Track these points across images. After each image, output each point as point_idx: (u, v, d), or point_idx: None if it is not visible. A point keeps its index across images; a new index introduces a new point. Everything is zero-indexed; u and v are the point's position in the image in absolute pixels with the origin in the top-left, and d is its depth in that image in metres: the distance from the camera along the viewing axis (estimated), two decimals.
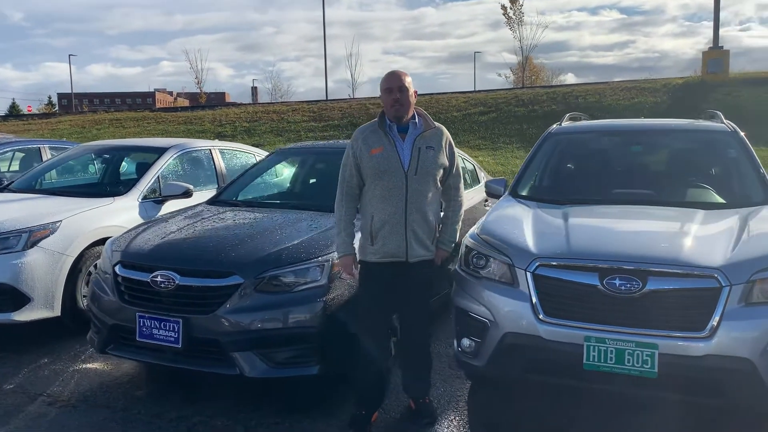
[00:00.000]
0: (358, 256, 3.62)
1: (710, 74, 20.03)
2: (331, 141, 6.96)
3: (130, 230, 4.49)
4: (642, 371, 3.01)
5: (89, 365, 4.53)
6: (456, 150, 3.71)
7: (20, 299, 4.79)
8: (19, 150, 8.87)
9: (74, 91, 69.40)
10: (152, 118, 27.34)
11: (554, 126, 5.23)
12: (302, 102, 27.72)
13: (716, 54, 20.21)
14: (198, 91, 55.49)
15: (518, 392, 3.79)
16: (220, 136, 21.41)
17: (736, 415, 3.19)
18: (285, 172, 6.16)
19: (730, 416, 3.30)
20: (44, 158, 8.27)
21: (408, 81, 3.52)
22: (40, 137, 19.16)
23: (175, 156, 6.43)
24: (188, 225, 4.37)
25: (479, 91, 23.30)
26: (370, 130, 3.57)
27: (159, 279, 3.74)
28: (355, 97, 34.83)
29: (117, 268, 3.97)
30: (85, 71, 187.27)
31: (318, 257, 3.79)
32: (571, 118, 5.50)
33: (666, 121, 5.32)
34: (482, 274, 3.54)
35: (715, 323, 2.94)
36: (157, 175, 6.11)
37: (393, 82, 3.48)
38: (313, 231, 4.14)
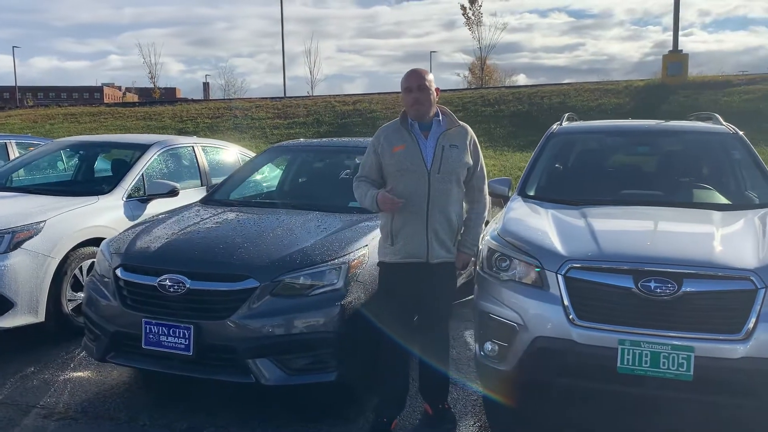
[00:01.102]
0: (378, 257, 3.51)
1: (670, 77, 20.52)
2: (325, 139, 6.80)
3: (127, 231, 4.26)
4: (677, 374, 2.99)
5: (80, 374, 4.29)
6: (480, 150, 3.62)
7: (3, 304, 4.51)
8: None
9: (17, 85, 66.80)
10: (108, 113, 26.49)
11: (555, 126, 5.20)
12: (266, 99, 27.29)
13: (676, 57, 20.72)
14: (152, 86, 54.30)
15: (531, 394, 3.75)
16: (182, 133, 20.89)
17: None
18: (279, 170, 5.97)
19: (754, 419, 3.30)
20: (11, 154, 7.87)
21: (429, 79, 3.43)
22: None
23: (158, 153, 6.18)
24: (191, 226, 4.17)
25: (445, 90, 23.33)
26: (393, 128, 3.47)
27: (168, 283, 3.55)
28: (314, 95, 34.51)
29: (119, 272, 3.76)
30: (29, 64, 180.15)
31: (334, 260, 3.66)
32: (568, 119, 5.49)
33: (668, 122, 5.37)
34: (506, 277, 3.46)
35: (751, 325, 2.93)
36: (141, 173, 5.87)
37: (412, 81, 3.38)
38: (323, 232, 4.00)
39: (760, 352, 2.91)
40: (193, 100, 33.23)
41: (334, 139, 6.58)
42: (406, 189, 3.34)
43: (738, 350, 2.93)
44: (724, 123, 4.93)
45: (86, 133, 20.79)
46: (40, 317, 4.71)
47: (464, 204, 3.56)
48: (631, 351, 3.04)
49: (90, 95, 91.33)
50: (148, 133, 21.76)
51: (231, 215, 4.46)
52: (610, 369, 3.07)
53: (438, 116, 3.45)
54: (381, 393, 3.55)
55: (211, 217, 4.40)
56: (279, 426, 3.54)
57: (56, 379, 4.21)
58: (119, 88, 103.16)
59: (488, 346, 3.49)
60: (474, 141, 3.54)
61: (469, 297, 5.20)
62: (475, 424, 3.63)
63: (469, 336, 4.96)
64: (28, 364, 4.45)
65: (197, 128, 22.28)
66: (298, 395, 3.79)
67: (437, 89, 3.44)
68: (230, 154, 7.37)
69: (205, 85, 76.22)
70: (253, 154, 7.77)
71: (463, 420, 3.66)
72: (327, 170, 5.56)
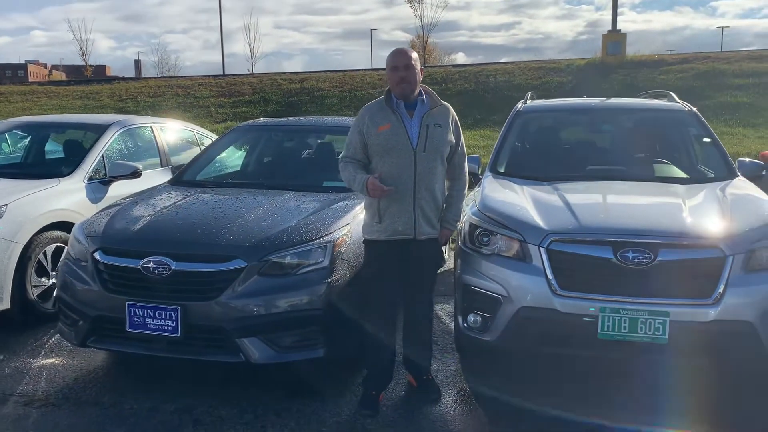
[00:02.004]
0: (363, 234, 3.57)
1: (610, 56, 21.17)
2: (292, 118, 6.76)
3: (100, 214, 4.17)
4: (654, 338, 3.19)
5: (53, 360, 4.20)
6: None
7: None
8: None
9: None
10: (42, 92, 25.35)
11: (520, 104, 5.35)
12: (209, 77, 26.65)
13: (615, 37, 21.37)
14: (81, 63, 52.02)
15: (511, 362, 3.91)
16: (122, 112, 20.23)
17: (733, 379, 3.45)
18: (244, 150, 5.91)
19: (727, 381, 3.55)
20: None
21: (415, 58, 3.47)
22: None
23: (117, 133, 6.01)
24: (167, 208, 4.11)
25: None
26: (377, 108, 3.50)
27: (152, 265, 3.51)
28: (256, 72, 33.89)
29: (97, 255, 3.68)
30: None
31: (319, 238, 3.70)
32: (531, 97, 5.64)
33: (627, 100, 5.60)
34: (488, 251, 3.59)
35: (721, 290, 3.16)
36: (101, 154, 5.70)
37: (399, 60, 3.42)
38: (304, 212, 4.02)
39: (729, 314, 3.14)
40: (130, 79, 32.10)
41: (301, 118, 6.55)
42: (393, 168, 3.39)
43: (709, 314, 3.15)
44: (679, 101, 5.18)
45: (19, 113, 19.86)
46: (5, 304, 4.57)
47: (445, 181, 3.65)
48: (610, 318, 3.22)
49: (13, 73, 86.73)
50: (87, 112, 20.96)
51: (206, 196, 4.42)
52: (591, 336, 3.24)
53: (422, 95, 3.50)
54: (368, 367, 3.63)
55: (185, 198, 4.35)
56: (268, 403, 3.58)
57: (29, 366, 4.11)
58: (45, 65, 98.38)
59: (471, 317, 3.61)
60: (455, 120, 3.62)
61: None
62: (458, 393, 3.76)
63: (440, 310, 5.09)
64: None
65: (138, 107, 21.61)
66: (287, 373, 3.83)
67: (422, 68, 3.49)
68: (187, 133, 7.23)
69: (137, 62, 73.54)
70: (211, 134, 7.67)
71: (445, 389, 3.78)
72: (296, 150, 5.55)
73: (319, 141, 5.54)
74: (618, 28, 21.75)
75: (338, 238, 3.75)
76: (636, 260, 3.20)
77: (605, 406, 3.51)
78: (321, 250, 3.67)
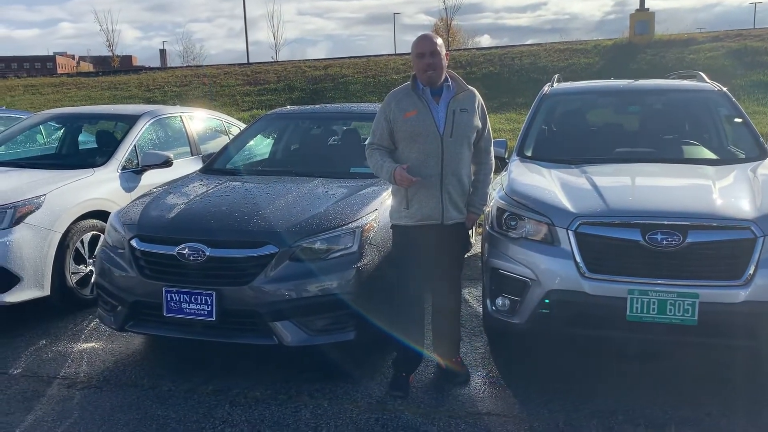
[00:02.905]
0: (391, 220, 3.62)
1: (637, 36, 20.78)
2: (318, 105, 6.81)
3: (136, 202, 4.28)
4: (683, 319, 3.19)
5: (94, 344, 4.34)
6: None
7: (10, 279, 4.51)
8: None
9: None
10: (71, 83, 25.76)
11: (546, 87, 5.33)
12: (234, 65, 26.81)
13: (643, 16, 20.96)
14: (108, 54, 52.62)
15: (539, 344, 3.95)
16: (150, 102, 20.51)
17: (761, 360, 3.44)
18: (272, 138, 5.99)
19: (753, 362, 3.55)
20: None
21: (440, 44, 3.50)
22: None
23: (148, 123, 6.13)
24: (201, 195, 4.21)
25: None
26: (403, 94, 3.53)
27: (187, 252, 3.61)
28: (281, 60, 33.97)
29: (134, 243, 3.80)
30: None
31: (348, 224, 3.76)
32: (558, 80, 5.61)
33: (656, 81, 5.54)
34: (516, 235, 3.61)
35: (751, 271, 3.14)
36: (133, 144, 5.83)
37: (425, 47, 3.45)
38: (332, 198, 4.08)
39: (759, 296, 3.13)
40: (157, 69, 32.45)
41: (327, 105, 6.60)
42: (420, 154, 3.43)
43: (740, 295, 3.14)
44: (709, 81, 5.11)
45: (50, 105, 20.25)
46: (46, 291, 4.72)
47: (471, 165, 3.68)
48: (639, 300, 3.23)
49: (42, 65, 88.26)
50: (115, 103, 21.28)
51: (237, 184, 4.51)
52: (619, 317, 3.26)
53: (447, 81, 3.52)
54: (398, 349, 3.69)
55: (217, 186, 4.44)
56: (301, 385, 3.68)
57: (70, 350, 4.26)
58: (73, 57, 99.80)
59: (500, 301, 3.65)
60: (481, 104, 3.64)
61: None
62: (486, 375, 3.81)
63: (467, 294, 5.13)
64: (38, 337, 4.49)
65: (165, 97, 21.87)
66: (319, 355, 3.91)
67: (447, 53, 3.51)
68: (216, 122, 7.34)
69: (162, 52, 74.14)
70: (238, 122, 7.77)
71: (474, 372, 3.83)
72: (324, 137, 5.61)
73: (345, 128, 5.59)
74: (646, 6, 21.32)
75: (366, 224, 3.80)
76: (665, 242, 3.20)
77: (633, 388, 3.54)
78: (350, 235, 3.73)
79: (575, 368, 3.81)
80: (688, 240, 3.19)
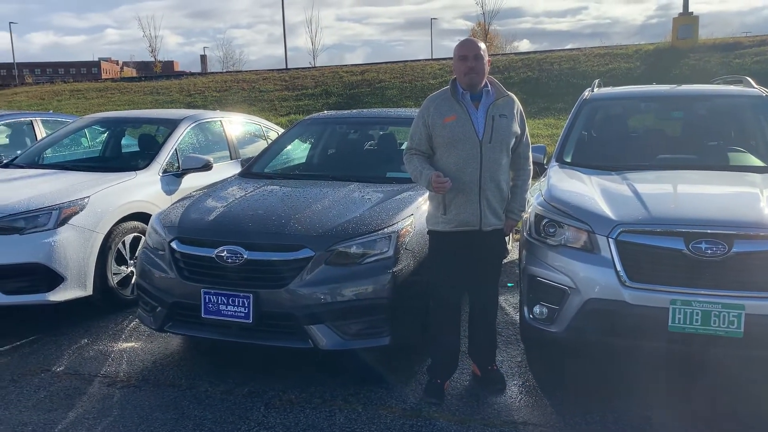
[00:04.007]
0: (427, 225, 3.60)
1: (680, 40, 20.34)
2: (354, 110, 6.85)
3: (176, 205, 4.36)
4: (728, 331, 3.09)
5: (134, 344, 4.43)
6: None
7: (54, 279, 4.63)
8: (5, 124, 8.42)
9: (15, 61, 66.28)
10: (115, 88, 26.43)
11: (587, 92, 5.25)
12: (272, 70, 27.16)
13: (686, 20, 20.52)
14: (152, 59, 53.81)
15: (577, 353, 3.88)
16: (191, 107, 20.90)
17: None
18: (309, 143, 6.04)
19: None
20: (37, 131, 7.92)
21: (483, 48, 3.48)
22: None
23: (189, 127, 6.25)
24: (239, 199, 4.26)
25: (451, 58, 23.18)
26: (442, 98, 3.52)
27: (225, 254, 3.65)
28: (318, 65, 34.26)
29: (174, 245, 3.86)
30: (26, 40, 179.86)
31: (384, 229, 3.76)
32: (598, 85, 5.52)
33: (699, 87, 5.41)
34: (555, 242, 3.56)
35: None
36: (174, 148, 5.94)
37: (468, 50, 3.43)
38: (368, 203, 4.09)
39: None
40: (198, 74, 33.06)
41: (364, 110, 6.62)
42: (458, 159, 3.41)
43: None
44: (756, 86, 4.97)
45: (95, 109, 20.80)
46: (88, 291, 4.83)
47: (510, 171, 3.64)
48: (682, 310, 3.14)
49: (87, 70, 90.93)
50: (157, 107, 21.74)
51: (274, 188, 4.55)
52: (661, 328, 3.18)
53: (487, 86, 3.50)
54: (433, 355, 3.67)
55: (255, 189, 4.49)
56: (335, 389, 3.68)
57: (111, 349, 4.35)
58: (117, 62, 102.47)
59: (537, 309, 3.60)
60: (520, 110, 3.60)
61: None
62: (523, 384, 3.76)
63: (503, 301, 5.08)
64: (80, 336, 4.59)
65: (205, 102, 22.26)
66: (354, 360, 3.91)
67: (489, 59, 3.49)
68: (255, 127, 7.44)
69: (203, 57, 75.50)
70: (276, 127, 7.86)
71: (510, 380, 3.78)
72: (360, 142, 5.63)
73: (381, 132, 5.60)
74: (690, 10, 20.87)
75: (402, 229, 3.80)
76: (709, 251, 3.12)
77: (673, 399, 3.45)
78: (385, 240, 3.73)
79: (614, 378, 3.73)
80: (734, 250, 3.10)
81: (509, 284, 3.39)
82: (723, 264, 3.11)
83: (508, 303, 5.05)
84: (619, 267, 3.26)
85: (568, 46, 24.74)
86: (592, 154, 4.65)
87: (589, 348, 3.60)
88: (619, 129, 4.98)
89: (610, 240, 3.31)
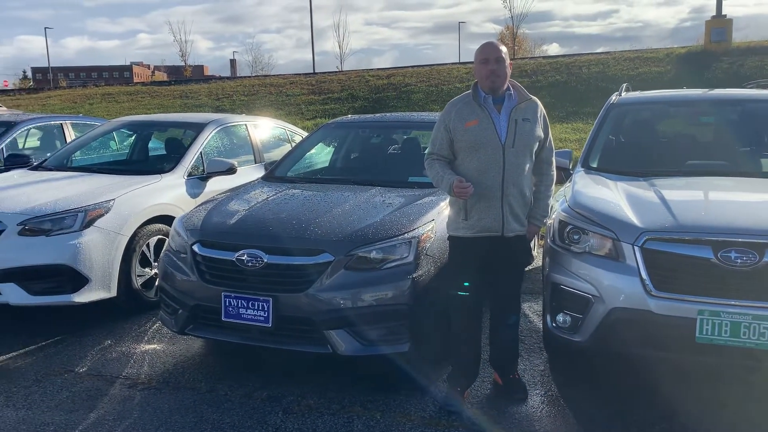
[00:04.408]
0: (448, 231, 3.56)
1: (713, 43, 19.93)
2: (378, 114, 6.83)
3: (199, 208, 4.38)
4: (758, 343, 3.00)
5: (156, 346, 4.45)
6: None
7: (79, 280, 4.68)
8: (37, 127, 8.57)
9: (50, 65, 67.79)
10: (145, 92, 26.81)
11: (614, 96, 5.15)
12: (299, 75, 27.31)
13: (719, 23, 20.09)
14: (182, 64, 54.50)
15: (601, 363, 3.79)
16: (219, 110, 21.10)
17: None
18: (332, 147, 6.04)
19: None
20: (67, 135, 8.05)
21: (505, 51, 3.43)
22: (30, 113, 18.74)
23: (214, 131, 6.29)
24: (261, 203, 4.27)
25: None
26: (464, 102, 3.48)
27: (246, 258, 3.65)
28: (345, 69, 34.36)
29: (196, 248, 3.87)
30: (61, 45, 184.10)
31: (404, 234, 3.72)
32: (626, 89, 5.42)
33: (732, 91, 5.27)
34: (579, 249, 3.49)
35: None
36: (199, 152, 5.98)
37: (490, 53, 3.38)
38: (389, 207, 4.06)
39: None
40: (226, 78, 33.42)
41: (387, 114, 6.60)
42: (480, 164, 3.36)
43: None
44: None
45: (125, 113, 21.13)
46: (113, 292, 4.88)
47: (532, 177, 3.58)
48: (710, 321, 3.05)
49: (120, 74, 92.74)
50: (186, 111, 22.01)
51: (296, 192, 4.55)
52: (688, 339, 3.09)
53: (509, 90, 3.45)
54: (453, 363, 3.62)
55: (277, 193, 4.49)
56: (354, 395, 3.65)
57: (134, 351, 4.38)
58: (148, 66, 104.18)
59: (560, 317, 3.53)
60: (544, 114, 3.54)
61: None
62: (545, 393, 3.69)
63: (527, 309, 5.00)
64: (104, 337, 4.63)
65: (233, 106, 22.45)
66: (373, 366, 3.88)
67: (510, 63, 3.44)
68: (279, 131, 7.47)
69: (232, 62, 76.31)
70: (301, 131, 7.88)
71: (532, 390, 3.71)
72: (383, 146, 5.61)
73: (405, 137, 5.57)
74: (723, 13, 20.43)
75: (423, 234, 3.76)
76: (739, 261, 3.02)
77: (698, 413, 3.34)
78: (406, 245, 3.69)
79: (639, 390, 3.63)
80: (765, 259, 3.00)
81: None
82: (754, 274, 3.02)
83: (532, 310, 4.97)
84: (644, 275, 3.18)
85: (599, 50, 24.34)
86: (619, 160, 4.56)
87: (612, 358, 3.51)
88: (647, 134, 4.88)
89: (635, 248, 3.23)
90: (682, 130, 4.88)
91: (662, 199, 3.52)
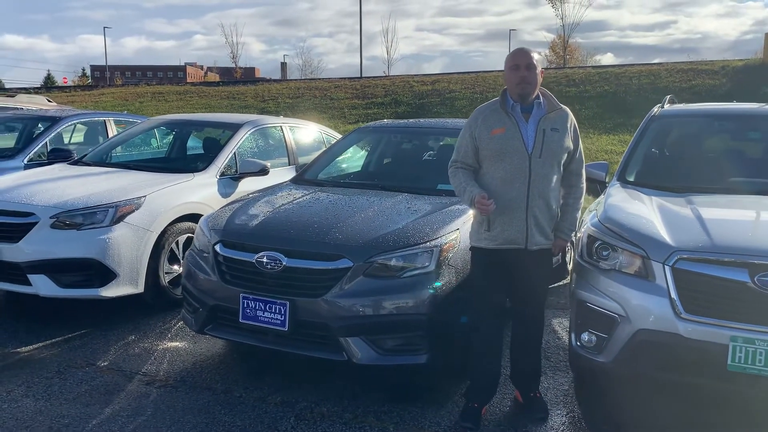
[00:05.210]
0: (470, 241, 3.46)
1: None
2: (412, 120, 6.75)
3: (224, 208, 4.38)
4: None
5: (178, 344, 4.47)
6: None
7: (107, 275, 4.74)
8: (82, 123, 8.79)
9: (108, 64, 69.93)
10: (194, 92, 27.40)
11: (656, 108, 4.96)
12: (344, 78, 27.49)
13: None
14: (233, 65, 55.46)
15: (628, 386, 3.63)
16: (264, 112, 21.37)
17: None
18: (365, 151, 5.99)
19: None
20: (110, 131, 8.23)
21: (536, 59, 3.31)
22: (83, 109, 19.30)
23: (249, 132, 6.31)
24: (285, 205, 4.24)
25: None
26: (491, 110, 3.37)
27: (265, 260, 3.62)
28: (392, 74, 34.40)
29: (218, 248, 3.86)
30: (120, 44, 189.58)
31: (426, 242, 3.63)
32: (670, 101, 5.22)
33: None
34: (608, 266, 3.34)
35: None
36: (233, 152, 6.01)
37: (521, 59, 3.28)
38: (414, 214, 3.98)
39: None
40: (273, 80, 33.87)
41: (421, 120, 6.51)
42: (505, 173, 3.25)
43: None
44: None
45: (173, 111, 21.60)
46: (140, 288, 4.93)
47: (561, 189, 3.45)
48: (743, 348, 2.88)
49: (174, 74, 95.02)
50: (232, 112, 22.38)
51: (322, 195, 4.51)
52: (719, 366, 2.92)
53: (539, 99, 3.33)
54: (472, 378, 3.51)
55: (303, 196, 4.46)
56: (368, 404, 3.58)
57: (156, 348, 4.40)
58: (201, 67, 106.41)
59: (585, 336, 3.39)
60: (574, 125, 3.42)
61: (556, 284, 5.09)
62: (567, 414, 3.55)
63: (558, 324, 4.85)
64: (128, 332, 4.68)
65: (278, 108, 22.71)
66: (388, 376, 3.80)
67: (542, 70, 3.33)
68: (315, 133, 7.46)
69: (283, 65, 77.30)
70: (337, 134, 7.86)
71: (554, 409, 3.58)
72: (415, 152, 5.52)
73: (440, 143, 5.48)
74: None
75: (446, 243, 3.66)
76: None
77: None
78: (427, 254, 3.60)
79: (665, 416, 3.46)
80: None
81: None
82: None
83: (561, 326, 4.82)
84: (674, 296, 3.02)
85: (655, 61, 23.71)
86: (657, 174, 4.37)
87: (638, 381, 3.35)
88: (689, 148, 4.67)
89: (666, 267, 3.07)
90: (726, 146, 4.66)
91: (698, 217, 3.34)
